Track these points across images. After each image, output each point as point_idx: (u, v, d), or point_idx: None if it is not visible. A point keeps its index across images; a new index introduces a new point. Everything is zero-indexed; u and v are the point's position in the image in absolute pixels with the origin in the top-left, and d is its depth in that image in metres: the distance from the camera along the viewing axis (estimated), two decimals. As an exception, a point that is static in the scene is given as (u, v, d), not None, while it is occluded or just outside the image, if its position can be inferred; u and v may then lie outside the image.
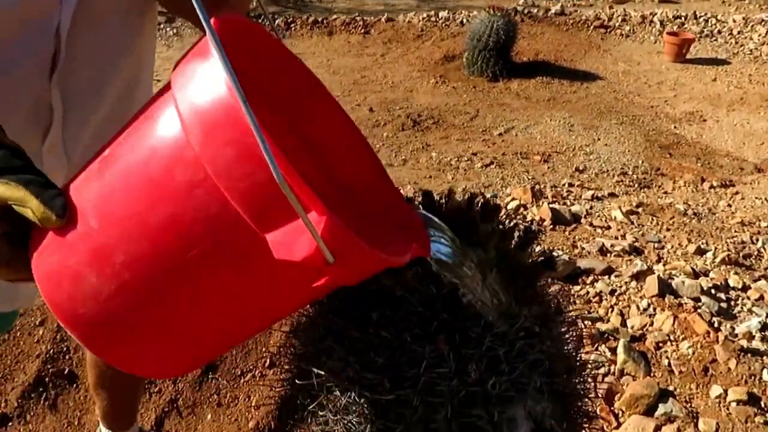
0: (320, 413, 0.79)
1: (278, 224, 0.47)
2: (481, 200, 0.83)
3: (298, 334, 0.89)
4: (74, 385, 1.74)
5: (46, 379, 1.73)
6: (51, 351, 1.78)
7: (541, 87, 4.85)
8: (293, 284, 0.52)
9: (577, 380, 0.87)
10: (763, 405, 1.53)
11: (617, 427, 1.52)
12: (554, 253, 2.09)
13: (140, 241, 0.49)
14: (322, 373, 0.77)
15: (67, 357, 1.78)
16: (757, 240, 2.45)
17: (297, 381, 0.83)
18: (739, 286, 2.02)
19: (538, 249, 0.83)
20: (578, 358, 0.88)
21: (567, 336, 0.86)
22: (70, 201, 0.53)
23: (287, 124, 0.72)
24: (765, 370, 1.59)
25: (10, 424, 1.65)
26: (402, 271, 0.72)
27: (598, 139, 3.79)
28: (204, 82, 0.47)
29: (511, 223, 0.80)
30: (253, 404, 1.68)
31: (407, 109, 4.21)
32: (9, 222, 0.54)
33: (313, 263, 0.46)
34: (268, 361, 1.80)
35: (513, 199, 2.62)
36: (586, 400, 0.90)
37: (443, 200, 0.84)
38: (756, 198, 3.01)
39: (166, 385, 1.73)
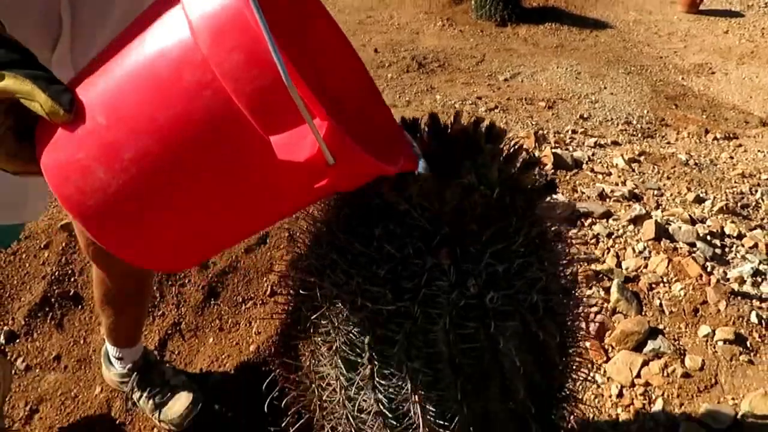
0: (323, 323, 0.82)
1: (282, 128, 0.49)
2: (487, 124, 0.84)
3: (304, 250, 0.91)
4: (80, 307, 1.78)
5: (52, 300, 1.77)
6: (56, 273, 1.82)
7: (549, 33, 4.76)
8: (294, 185, 0.54)
9: (572, 301, 0.90)
10: (748, 345, 1.57)
11: (606, 362, 1.57)
12: (554, 196, 2.10)
13: (148, 138, 0.51)
14: (326, 285, 0.80)
15: (72, 279, 1.82)
16: (756, 191, 2.46)
17: (301, 291, 0.86)
18: (735, 234, 2.05)
19: (540, 174, 0.84)
20: (574, 281, 0.90)
21: (564, 258, 0.88)
22: (76, 96, 0.54)
23: (288, 34, 0.72)
24: (753, 313, 1.63)
25: (18, 341, 1.70)
26: (406, 187, 0.74)
27: (605, 88, 3.75)
28: None
29: (516, 145, 0.81)
30: (254, 330, 1.73)
31: (413, 51, 4.14)
32: (14, 116, 0.55)
33: (315, 164, 0.49)
34: (269, 289, 1.84)
35: (516, 142, 2.61)
36: (580, 321, 0.93)
37: (450, 122, 0.85)
38: (759, 151, 3.01)
39: (169, 309, 1.78)
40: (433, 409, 0.79)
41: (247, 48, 0.47)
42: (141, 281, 1.36)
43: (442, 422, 0.80)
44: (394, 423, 0.82)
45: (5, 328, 1.71)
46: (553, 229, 0.86)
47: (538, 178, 0.82)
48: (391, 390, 0.80)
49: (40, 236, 1.89)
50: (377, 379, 0.80)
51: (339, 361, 0.82)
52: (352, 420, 0.85)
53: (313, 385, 0.89)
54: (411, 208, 0.74)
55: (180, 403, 1.47)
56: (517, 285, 0.76)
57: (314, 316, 0.83)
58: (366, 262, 0.76)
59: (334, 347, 0.82)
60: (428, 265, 0.73)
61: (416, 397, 0.79)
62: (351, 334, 0.79)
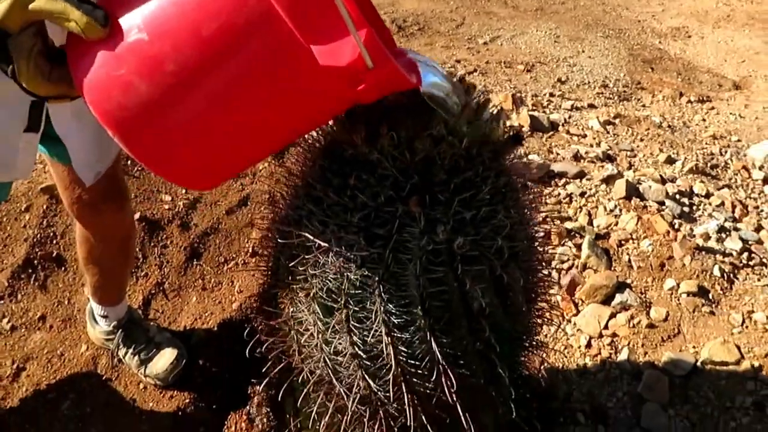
0: (300, 270, 0.86)
1: (322, 36, 0.53)
2: (459, 76, 0.87)
3: (283, 203, 0.94)
4: (62, 268, 1.80)
5: (35, 262, 1.79)
6: (38, 236, 1.83)
7: (530, -3, 4.75)
8: (331, 93, 0.59)
9: (538, 249, 0.95)
10: (710, 297, 1.65)
11: (576, 315, 1.64)
12: (530, 157, 2.15)
13: (191, 50, 0.54)
14: (303, 234, 0.83)
15: (54, 241, 1.84)
16: (726, 152, 2.53)
17: (279, 241, 0.90)
18: (703, 193, 2.12)
19: (508, 126, 0.88)
20: (540, 229, 0.95)
21: (530, 208, 0.92)
22: (111, 13, 0.56)
23: None
24: (717, 267, 1.71)
25: (2, 302, 1.72)
26: (378, 138, 0.77)
27: (583, 51, 3.77)
28: None
29: (484, 98, 0.84)
30: (236, 288, 1.77)
31: (392, 15, 4.12)
32: (42, 39, 0.56)
33: (355, 69, 0.53)
34: (250, 249, 1.87)
35: (494, 105, 2.64)
36: (545, 269, 0.98)
37: (421, 77, 0.87)
38: (731, 113, 3.07)
39: (152, 269, 1.81)
40: (405, 350, 0.84)
41: None
42: (125, 239, 1.39)
43: (413, 362, 0.85)
44: (369, 364, 0.87)
45: (-11, 289, 1.73)
46: (520, 180, 0.90)
47: (505, 131, 0.86)
48: (365, 333, 0.84)
49: (21, 199, 1.90)
50: (352, 322, 0.84)
51: (316, 306, 0.87)
52: (328, 362, 0.90)
53: (292, 331, 0.93)
54: (383, 158, 0.77)
55: (165, 358, 1.51)
56: (484, 231, 0.80)
57: (291, 264, 0.87)
58: (340, 211, 0.80)
59: (311, 293, 0.86)
60: (399, 212, 0.77)
61: (389, 338, 0.84)
62: (327, 280, 0.83)
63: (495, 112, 0.86)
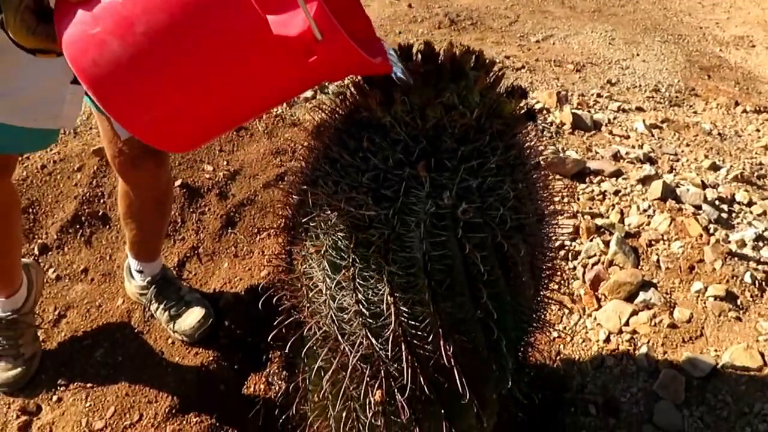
0: (312, 227, 0.91)
1: (277, 8, 0.58)
2: (476, 54, 0.90)
3: (302, 164, 0.99)
4: (107, 226, 1.91)
5: (83, 218, 1.90)
6: (87, 194, 1.95)
7: (588, -2, 4.67)
8: (286, 64, 0.62)
9: (546, 228, 0.97)
10: (739, 303, 1.62)
11: (597, 309, 1.64)
12: (567, 153, 2.14)
13: (160, 14, 0.59)
14: (317, 192, 0.88)
15: (101, 201, 1.95)
16: (776, 163, 2.45)
17: (296, 198, 0.95)
18: (745, 202, 2.06)
19: (525, 102, 0.90)
20: (550, 209, 0.97)
21: (541, 185, 0.94)
22: None
23: None
24: (748, 273, 1.67)
25: (50, 253, 1.84)
26: (392, 103, 0.81)
27: (637, 55, 3.69)
28: None
29: (500, 73, 0.87)
30: (266, 258, 1.83)
31: (446, 8, 4.12)
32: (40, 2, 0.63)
33: (305, 40, 0.58)
34: (283, 222, 1.93)
35: (537, 102, 2.64)
36: (552, 249, 1.00)
37: (442, 51, 0.90)
38: (787, 126, 2.96)
39: (189, 234, 1.89)
40: (407, 310, 0.87)
41: None
42: (161, 197, 1.46)
43: (414, 323, 0.89)
44: (371, 321, 0.90)
45: (39, 241, 1.85)
46: (531, 156, 0.92)
47: (519, 106, 0.88)
48: (369, 291, 0.88)
49: (74, 159, 2.02)
50: (358, 280, 0.88)
51: (325, 263, 0.91)
52: (334, 318, 0.94)
53: (303, 287, 0.98)
54: (395, 122, 0.81)
55: (193, 316, 1.59)
56: (489, 200, 0.83)
57: (305, 220, 0.92)
58: (353, 172, 0.84)
59: (321, 250, 0.91)
60: (406, 175, 0.81)
61: (391, 298, 0.87)
62: (336, 238, 0.87)
63: (511, 88, 0.88)
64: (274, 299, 1.11)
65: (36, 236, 1.86)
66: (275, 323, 1.11)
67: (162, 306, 1.60)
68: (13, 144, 1.10)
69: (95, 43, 0.61)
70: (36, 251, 1.83)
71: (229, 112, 0.70)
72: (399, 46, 0.90)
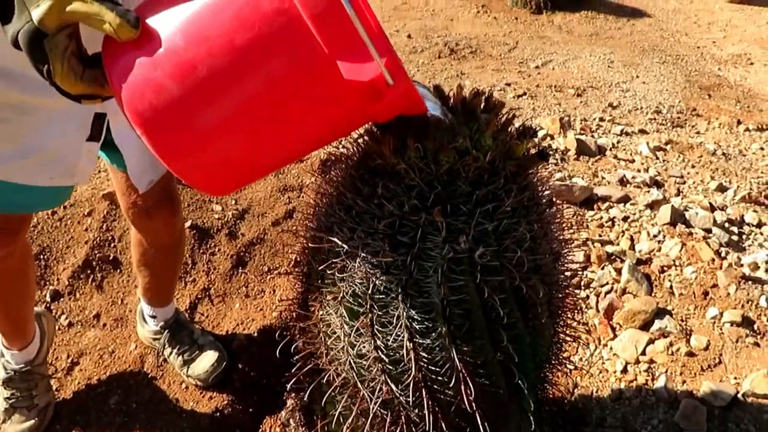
0: (329, 274, 0.91)
1: (347, 53, 0.59)
2: (485, 95, 0.91)
3: (315, 209, 0.99)
4: (118, 270, 1.91)
5: (94, 263, 1.91)
6: (98, 239, 1.95)
7: (585, 21, 4.73)
8: (350, 108, 0.64)
9: (562, 266, 0.97)
10: (756, 328, 1.60)
11: (613, 339, 1.62)
12: (573, 180, 2.14)
13: (224, 58, 0.59)
14: (333, 239, 0.88)
15: (112, 245, 1.95)
16: (783, 182, 2.45)
17: (311, 246, 0.95)
18: (755, 223, 2.06)
19: (536, 142, 0.91)
20: (564, 246, 0.96)
21: (556, 224, 0.94)
22: (143, 17, 0.60)
23: None
24: (763, 297, 1.65)
25: (62, 299, 1.84)
26: (405, 149, 0.81)
27: (637, 77, 3.72)
28: None
29: (511, 115, 0.88)
30: (277, 297, 1.83)
31: (446, 38, 4.18)
32: (76, 41, 0.61)
33: (377, 84, 0.59)
34: (293, 260, 1.93)
35: (541, 128, 2.65)
36: (569, 287, 1.00)
37: (452, 93, 0.91)
38: (791, 143, 2.96)
39: (200, 275, 1.89)
40: (426, 356, 0.87)
41: None
42: (174, 245, 1.47)
43: (434, 368, 0.88)
44: (391, 368, 0.90)
45: (51, 287, 1.85)
46: (545, 195, 0.92)
47: (531, 147, 0.88)
48: (388, 337, 0.88)
49: (84, 204, 2.03)
50: (376, 326, 0.88)
51: (343, 309, 0.91)
52: (353, 365, 0.94)
53: (321, 334, 0.98)
54: (409, 169, 0.81)
55: (206, 360, 1.58)
56: (505, 243, 0.83)
57: (321, 268, 0.92)
58: (368, 218, 0.84)
59: (338, 297, 0.91)
60: (423, 221, 0.81)
61: (410, 344, 0.87)
62: (353, 285, 0.87)
63: (522, 128, 0.88)
64: (290, 344, 1.10)
65: (48, 282, 1.86)
66: (293, 370, 1.11)
67: (175, 351, 1.60)
68: (29, 203, 1.11)
69: (154, 87, 0.59)
70: (48, 298, 1.83)
71: (282, 155, 0.70)
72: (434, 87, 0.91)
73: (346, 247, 0.86)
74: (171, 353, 1.61)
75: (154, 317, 1.62)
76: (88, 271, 1.89)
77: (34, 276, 1.40)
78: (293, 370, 1.08)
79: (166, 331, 1.61)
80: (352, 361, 0.94)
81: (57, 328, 1.75)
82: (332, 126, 0.68)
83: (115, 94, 0.61)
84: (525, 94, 3.29)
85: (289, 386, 1.17)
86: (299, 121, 0.64)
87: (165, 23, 0.60)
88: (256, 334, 1.73)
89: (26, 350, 1.45)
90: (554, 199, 0.95)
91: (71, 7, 0.57)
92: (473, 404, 0.90)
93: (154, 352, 1.69)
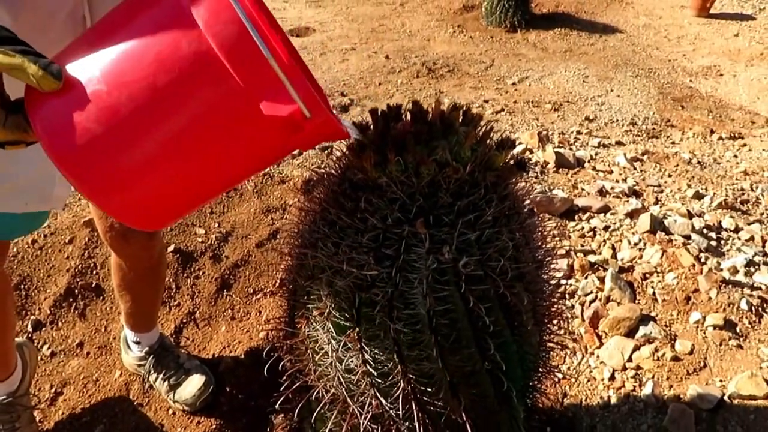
0: (315, 290, 0.91)
1: (266, 91, 0.61)
2: (464, 109, 0.92)
3: (301, 227, 1.00)
4: (101, 297, 1.89)
5: (76, 291, 1.88)
6: (79, 266, 1.93)
7: (559, 38, 4.82)
8: (272, 140, 0.66)
9: (545, 274, 0.98)
10: (738, 330, 1.62)
11: (599, 347, 1.63)
12: (554, 192, 2.17)
13: (147, 100, 0.61)
14: (318, 255, 0.88)
15: (94, 272, 1.93)
16: (757, 187, 2.50)
17: (295, 262, 0.95)
18: (732, 228, 2.10)
19: (514, 153, 0.92)
20: (547, 254, 0.98)
21: (537, 232, 0.96)
22: (65, 65, 0.62)
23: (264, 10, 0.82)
24: (744, 300, 1.68)
25: (44, 329, 1.81)
26: (386, 163, 0.83)
27: (611, 91, 3.80)
28: None
29: (488, 127, 0.89)
30: (263, 318, 1.82)
31: (423, 57, 4.23)
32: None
33: (296, 117, 0.61)
34: (278, 281, 1.93)
35: (520, 143, 2.69)
36: (552, 293, 1.01)
37: (430, 108, 0.93)
38: (763, 150, 3.04)
39: (184, 299, 1.88)
40: (415, 367, 0.87)
41: (240, 24, 0.59)
42: (154, 267, 1.46)
43: (423, 380, 0.88)
44: (380, 381, 0.90)
45: (32, 317, 1.82)
46: (525, 204, 0.94)
47: (509, 158, 0.90)
48: (376, 351, 0.88)
49: (65, 232, 2.01)
50: (363, 340, 0.88)
51: (330, 325, 0.91)
52: (342, 380, 0.94)
53: (308, 351, 0.98)
54: (391, 182, 0.82)
55: (193, 384, 1.56)
56: (488, 252, 0.84)
57: (307, 283, 0.92)
58: (352, 233, 0.85)
59: (325, 312, 0.91)
60: (406, 233, 0.82)
61: (398, 356, 0.87)
62: (339, 299, 0.88)
63: (500, 140, 0.90)
64: (277, 363, 1.10)
65: (29, 312, 1.83)
66: (281, 388, 1.10)
67: (161, 376, 1.58)
68: (4, 230, 1.10)
69: (77, 132, 0.61)
70: (29, 328, 1.80)
71: (213, 187, 0.72)
72: (388, 106, 0.93)
73: (331, 262, 0.87)
74: (157, 379, 1.59)
75: (138, 343, 1.60)
76: (70, 300, 1.87)
77: (13, 306, 1.38)
78: (282, 389, 1.07)
79: (151, 356, 1.59)
80: (340, 376, 0.94)
81: (39, 358, 1.72)
82: (259, 156, 0.69)
83: (39, 140, 0.62)
84: (503, 110, 3.34)
85: (277, 406, 1.16)
86: (226, 154, 0.66)
87: (87, 68, 0.61)
88: (243, 356, 1.71)
89: (8, 381, 1.42)
90: (535, 211, 0.97)
91: None
92: (463, 414, 0.90)
93: (139, 378, 1.66)
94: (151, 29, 0.61)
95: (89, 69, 0.61)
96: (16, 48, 0.60)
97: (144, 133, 0.62)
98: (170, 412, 1.59)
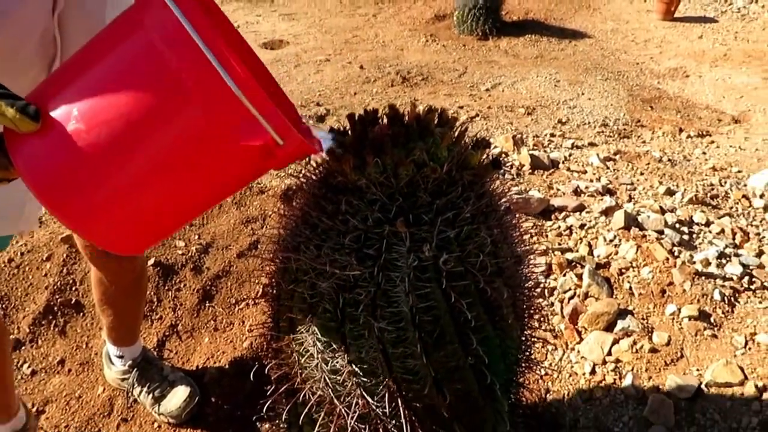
0: (299, 292, 0.92)
1: (238, 123, 0.64)
2: (439, 111, 0.95)
3: (283, 231, 1.01)
4: (81, 314, 1.87)
5: (55, 308, 1.86)
6: (58, 283, 1.91)
7: (529, 45, 4.91)
8: (246, 166, 0.70)
9: (522, 265, 1.00)
10: (712, 320, 1.67)
11: (579, 342, 1.67)
12: (530, 193, 2.21)
13: (125, 136, 0.63)
14: (301, 258, 0.90)
15: (73, 288, 1.92)
16: (726, 182, 2.57)
17: (279, 266, 0.96)
18: (703, 222, 2.15)
19: (491, 154, 0.95)
20: (525, 249, 1.00)
21: (514, 228, 0.98)
22: (43, 107, 0.64)
23: (233, 43, 0.85)
24: (717, 291, 1.73)
25: (24, 347, 1.79)
26: (365, 166, 0.84)
27: (583, 94, 3.88)
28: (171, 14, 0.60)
29: (464, 128, 0.92)
30: (247, 328, 1.82)
31: (397, 67, 4.28)
32: None
33: (269, 145, 0.65)
34: (260, 291, 1.93)
35: (495, 147, 2.73)
36: (532, 287, 1.03)
37: (406, 111, 0.95)
38: (730, 146, 3.12)
39: (166, 312, 1.87)
40: (399, 365, 0.89)
41: (208, 64, 0.61)
42: (135, 281, 1.46)
43: (408, 376, 0.90)
44: (366, 380, 0.91)
45: (11, 336, 1.80)
46: (502, 203, 0.97)
47: (485, 157, 0.93)
48: (361, 350, 0.89)
49: (42, 249, 1.99)
50: (348, 340, 0.90)
51: (314, 327, 0.92)
52: (328, 381, 0.95)
53: (294, 354, 0.98)
54: (370, 184, 0.84)
55: (178, 396, 1.56)
56: (468, 248, 0.86)
57: (290, 287, 0.93)
58: (334, 234, 0.87)
59: (309, 315, 0.92)
60: (387, 233, 0.84)
61: (383, 355, 0.89)
62: (323, 301, 0.89)
63: (475, 140, 0.93)
64: (262, 371, 1.10)
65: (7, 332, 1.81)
66: (267, 394, 1.10)
67: (145, 389, 1.57)
68: None
69: (60, 167, 0.63)
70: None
71: (186, 210, 0.74)
72: (364, 110, 0.95)
73: (314, 264, 0.88)
74: (141, 392, 1.58)
75: (121, 357, 1.59)
76: (50, 317, 1.85)
77: (9, 346, 1.33)
78: (268, 394, 1.08)
79: (135, 369, 1.58)
80: (326, 377, 0.95)
81: (20, 377, 1.70)
82: (234, 181, 0.73)
83: (21, 177, 0.64)
84: (478, 115, 3.39)
85: (264, 413, 1.17)
86: (202, 180, 0.69)
87: (64, 106, 0.63)
88: (227, 366, 1.71)
89: (11, 422, 1.39)
90: (512, 210, 1.00)
91: None
92: (448, 410, 0.92)
93: (123, 393, 1.65)
94: (125, 66, 0.64)
95: (66, 107, 0.63)
96: None
97: (123, 167, 0.64)
98: (155, 425, 1.58)
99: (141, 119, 0.63)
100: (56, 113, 0.64)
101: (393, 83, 4.00)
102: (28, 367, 1.74)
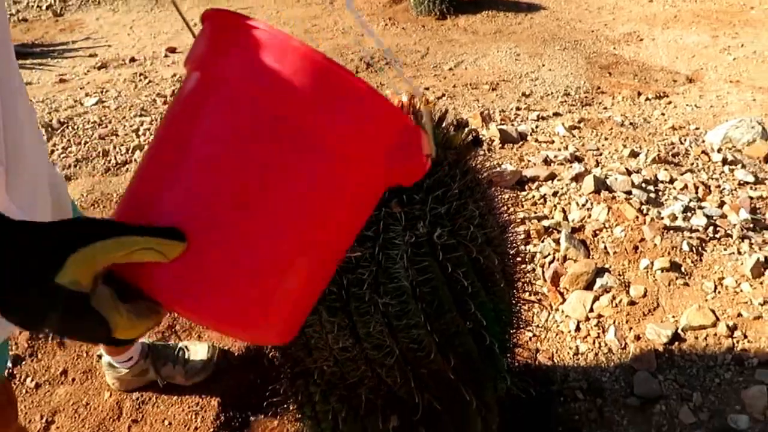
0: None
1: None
2: (423, 96, 1.01)
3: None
4: (78, 324, 1.90)
5: (51, 321, 1.89)
6: (51, 296, 1.93)
7: (487, 21, 4.99)
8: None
9: (508, 233, 1.08)
10: (683, 270, 1.78)
11: (563, 303, 1.76)
12: (503, 166, 2.30)
13: (276, 219, 0.52)
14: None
15: (67, 300, 1.94)
16: (685, 140, 2.70)
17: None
18: (667, 180, 2.27)
19: (469, 134, 1.02)
20: (509, 218, 1.08)
21: (497, 200, 1.06)
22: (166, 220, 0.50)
23: None
24: (685, 242, 1.84)
25: (24, 362, 1.81)
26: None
27: (543, 65, 3.98)
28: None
29: (444, 110, 0.98)
30: (244, 322, 1.87)
31: (360, 53, 4.32)
32: (113, 283, 0.50)
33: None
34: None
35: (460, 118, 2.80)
36: (517, 254, 1.11)
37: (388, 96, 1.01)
38: (687, 105, 3.26)
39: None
40: (405, 335, 0.96)
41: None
42: None
43: (414, 345, 0.97)
44: (374, 353, 0.98)
45: (10, 353, 1.82)
46: (484, 177, 1.04)
47: (466, 137, 1.00)
48: (368, 326, 0.96)
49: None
50: (355, 317, 0.96)
51: (321, 308, 0.98)
52: (339, 359, 1.01)
53: (303, 336, 1.05)
54: (363, 170, 0.90)
55: (201, 348, 1.66)
56: (458, 222, 0.93)
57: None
58: (333, 221, 0.93)
59: (316, 297, 0.98)
60: (383, 214, 0.90)
61: (389, 328, 0.96)
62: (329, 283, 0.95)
63: (456, 121, 0.99)
64: (267, 359, 1.16)
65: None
66: (277, 379, 1.17)
67: (170, 361, 1.63)
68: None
69: (225, 278, 0.52)
70: (9, 363, 1.79)
71: (330, 272, 0.65)
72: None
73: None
74: (165, 366, 1.64)
75: (125, 361, 1.63)
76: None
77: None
78: (280, 379, 1.14)
79: (147, 357, 1.63)
80: (336, 355, 1.01)
81: (24, 391, 1.73)
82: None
83: (175, 310, 0.53)
84: (444, 95, 3.46)
85: (274, 399, 1.23)
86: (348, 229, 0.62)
87: (189, 211, 0.51)
88: (233, 360, 1.76)
89: None
90: (491, 180, 1.07)
91: (103, 254, 0.46)
92: (453, 372, 1.00)
93: (130, 396, 1.69)
94: (242, 134, 0.51)
95: (192, 210, 0.51)
96: (115, 230, 0.47)
97: (283, 251, 0.54)
98: (166, 423, 1.63)
99: (286, 195, 0.52)
100: (184, 223, 0.50)
101: (357, 70, 4.05)
102: (32, 380, 1.77)
